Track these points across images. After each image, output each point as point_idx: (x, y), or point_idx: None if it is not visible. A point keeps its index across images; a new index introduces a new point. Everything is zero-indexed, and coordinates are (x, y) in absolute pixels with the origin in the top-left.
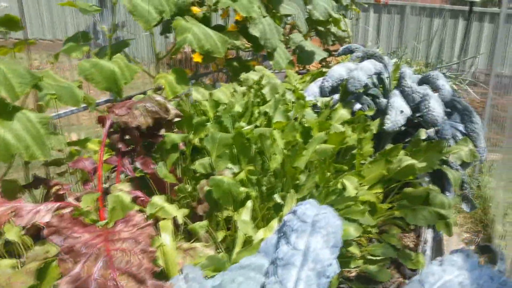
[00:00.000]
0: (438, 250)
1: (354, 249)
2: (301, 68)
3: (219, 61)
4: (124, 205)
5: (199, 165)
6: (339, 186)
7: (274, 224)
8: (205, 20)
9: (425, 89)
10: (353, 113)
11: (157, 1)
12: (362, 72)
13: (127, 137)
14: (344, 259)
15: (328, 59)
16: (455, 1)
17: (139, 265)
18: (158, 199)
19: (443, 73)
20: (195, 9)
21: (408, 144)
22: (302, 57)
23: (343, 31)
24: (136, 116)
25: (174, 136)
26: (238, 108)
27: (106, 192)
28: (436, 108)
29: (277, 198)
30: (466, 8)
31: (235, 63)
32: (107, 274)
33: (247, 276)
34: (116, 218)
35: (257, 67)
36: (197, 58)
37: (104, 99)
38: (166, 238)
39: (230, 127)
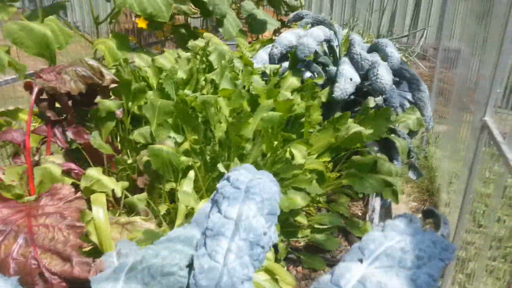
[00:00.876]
0: (387, 218)
1: (301, 219)
2: (254, 39)
3: (166, 29)
4: (54, 178)
5: (138, 135)
6: (287, 155)
7: None
8: None
9: (374, 56)
10: (303, 81)
11: None
12: (311, 38)
13: (58, 105)
14: (291, 229)
15: (282, 30)
16: None
17: (64, 242)
18: (93, 172)
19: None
20: None
21: (357, 112)
22: (254, 26)
23: (295, 0)
24: (66, 81)
25: (109, 103)
26: (181, 75)
27: (36, 165)
28: (384, 75)
29: (220, 167)
30: None
31: (182, 30)
32: (28, 253)
33: (173, 249)
34: (44, 192)
35: (205, 34)
36: (141, 23)
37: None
38: (99, 212)
39: (172, 94)
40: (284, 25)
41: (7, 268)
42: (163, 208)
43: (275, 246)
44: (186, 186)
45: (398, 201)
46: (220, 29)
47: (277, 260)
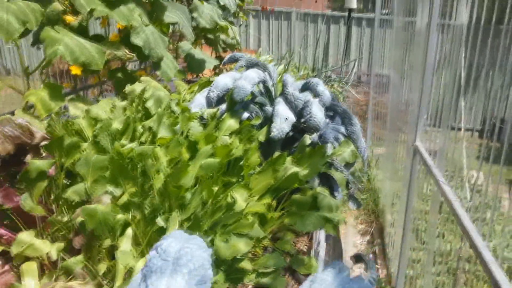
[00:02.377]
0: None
1: (246, 264)
2: (194, 76)
3: (103, 73)
4: None
5: (72, 193)
6: (229, 199)
7: None
8: (81, 30)
9: (306, 95)
10: (241, 122)
11: (19, 11)
12: (246, 81)
13: None
14: (237, 275)
15: (222, 66)
16: (335, 8)
17: None
18: (25, 236)
19: (329, 76)
20: (69, 18)
21: (296, 149)
22: (192, 65)
23: (232, 38)
24: None
25: (40, 163)
26: (117, 125)
27: None
28: (317, 113)
29: (160, 221)
30: (346, 14)
31: (119, 74)
32: None
33: None
34: None
35: (142, 78)
36: (75, 70)
37: None
38: (31, 284)
39: (108, 146)
40: (222, 62)
41: None
42: (102, 267)
43: None
44: (124, 244)
45: (337, 233)
46: (158, 72)
47: None
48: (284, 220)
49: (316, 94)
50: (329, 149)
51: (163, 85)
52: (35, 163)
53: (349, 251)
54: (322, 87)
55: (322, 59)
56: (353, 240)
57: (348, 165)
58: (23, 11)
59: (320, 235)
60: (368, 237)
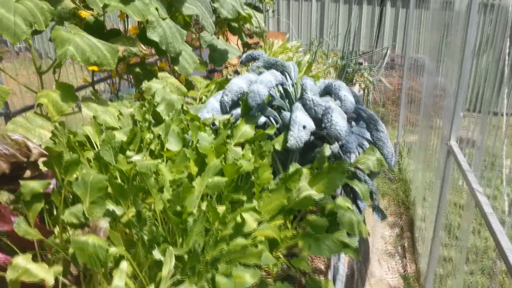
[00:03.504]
0: (360, 247)
1: None
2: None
3: (122, 67)
4: None
5: (69, 215)
6: (239, 219)
7: None
8: (97, 25)
9: (327, 101)
10: (258, 126)
11: (27, 11)
12: (262, 85)
13: None
14: None
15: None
16: None
17: None
18: (21, 260)
19: (360, 63)
20: (84, 13)
21: (317, 154)
22: (214, 57)
23: (256, 27)
24: None
25: (34, 185)
26: (121, 136)
27: None
28: (339, 121)
29: (156, 254)
30: None
31: (137, 69)
32: None
33: None
34: None
35: (160, 74)
36: (91, 67)
37: None
38: None
39: (112, 160)
40: (250, 48)
41: None
42: None
43: None
44: (118, 279)
45: (359, 256)
46: (176, 67)
47: None
48: (298, 241)
49: (338, 99)
50: (352, 158)
51: (184, 79)
52: (29, 185)
53: (376, 243)
54: (345, 91)
55: (353, 45)
56: (381, 232)
57: (372, 173)
58: (32, 10)
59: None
60: (397, 230)
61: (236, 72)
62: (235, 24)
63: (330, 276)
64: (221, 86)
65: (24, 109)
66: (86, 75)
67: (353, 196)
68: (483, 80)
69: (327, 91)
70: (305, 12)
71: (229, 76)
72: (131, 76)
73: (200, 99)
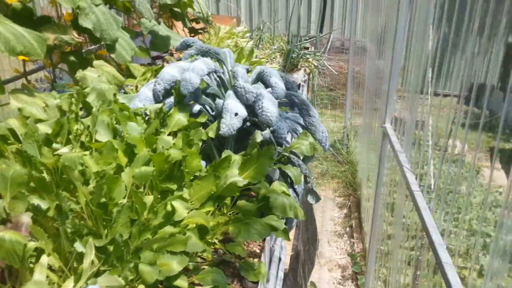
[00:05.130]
0: (308, 228)
1: (181, 282)
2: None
3: (56, 55)
4: None
5: None
6: (169, 208)
7: (69, 284)
8: (25, 13)
9: (258, 88)
10: (193, 114)
11: None
12: (194, 73)
13: None
14: None
15: (198, 37)
16: None
17: None
18: None
19: (306, 48)
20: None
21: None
22: (156, 43)
23: (199, 12)
24: None
25: None
26: (46, 129)
27: None
28: (269, 108)
29: (78, 246)
30: None
31: (72, 58)
32: None
33: None
34: None
35: (95, 62)
36: (19, 56)
37: None
38: None
39: (36, 154)
40: (197, 33)
41: None
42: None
43: None
44: (39, 274)
45: (290, 239)
46: (112, 55)
47: None
48: (229, 227)
49: (269, 86)
50: (286, 142)
51: (125, 66)
52: None
53: (326, 225)
54: (275, 78)
55: (298, 30)
56: (331, 214)
57: (306, 158)
58: None
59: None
60: (345, 211)
61: (180, 60)
62: (177, 10)
63: (264, 259)
64: (157, 74)
65: None
66: (13, 69)
67: (290, 181)
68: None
69: (259, 79)
70: None
71: (166, 64)
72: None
73: (136, 87)
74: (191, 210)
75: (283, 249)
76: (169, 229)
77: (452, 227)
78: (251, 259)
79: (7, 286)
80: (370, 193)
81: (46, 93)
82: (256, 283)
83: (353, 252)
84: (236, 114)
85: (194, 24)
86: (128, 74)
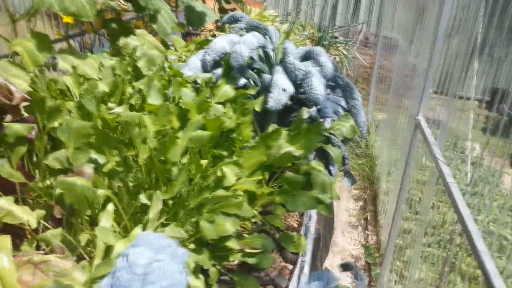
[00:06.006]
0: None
1: (232, 244)
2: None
3: (96, 22)
4: None
5: (53, 160)
6: (219, 173)
7: (137, 232)
8: None
9: (307, 66)
10: (238, 87)
11: None
12: (244, 46)
13: None
14: (222, 253)
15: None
16: None
17: None
18: (3, 202)
19: (335, 37)
20: None
21: (293, 118)
22: (191, 19)
23: None
24: None
25: (18, 127)
26: (103, 88)
27: None
28: (317, 86)
29: (142, 198)
30: None
31: (114, 25)
32: None
33: None
34: None
35: (138, 31)
36: (67, 18)
37: None
38: (3, 260)
39: (94, 110)
40: (226, 13)
41: None
42: (83, 238)
43: (205, 271)
44: (105, 220)
45: (330, 214)
46: (154, 25)
47: (208, 286)
48: (275, 197)
49: (318, 65)
50: (327, 123)
51: (160, 39)
52: (13, 127)
53: (340, 215)
54: (325, 58)
55: (329, 19)
56: (346, 205)
57: (345, 140)
58: None
59: (312, 210)
60: (361, 203)
61: (214, 36)
62: None
63: (302, 233)
64: (201, 46)
65: None
66: (56, 31)
67: (325, 161)
68: (453, 61)
69: (306, 57)
70: None
71: (209, 37)
72: (105, 34)
73: (180, 58)
74: (239, 178)
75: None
76: (221, 192)
77: None
78: (289, 232)
79: (63, 230)
80: (389, 187)
81: (97, 55)
82: (295, 255)
83: (367, 243)
84: (284, 90)
85: (224, 5)
86: (164, 45)
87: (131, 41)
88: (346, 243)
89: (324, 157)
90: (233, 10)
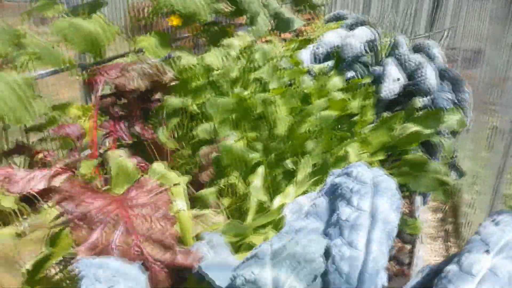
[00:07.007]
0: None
1: None
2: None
3: (195, 26)
4: (128, 171)
5: (201, 131)
6: (342, 152)
7: (290, 190)
8: None
9: (419, 57)
10: (347, 79)
11: None
12: (355, 39)
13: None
14: None
15: (302, 28)
16: None
17: (162, 231)
18: (158, 166)
19: None
20: None
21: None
22: (279, 25)
23: None
24: (132, 78)
25: (175, 100)
26: (235, 73)
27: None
28: (431, 76)
29: (288, 164)
30: None
31: (215, 28)
32: (128, 241)
33: (310, 239)
34: (120, 184)
35: (239, 32)
36: (175, 21)
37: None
38: (182, 204)
39: (228, 92)
40: (308, 23)
41: (110, 254)
42: (226, 202)
43: None
44: (257, 181)
45: (449, 198)
46: (252, 27)
47: None
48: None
49: (429, 57)
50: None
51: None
52: (171, 100)
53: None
54: (437, 50)
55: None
56: (423, 216)
57: (453, 132)
58: None
59: (417, 201)
60: (440, 215)
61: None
62: None
63: (417, 216)
64: (300, 44)
65: (111, 58)
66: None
67: (429, 156)
68: None
69: (417, 50)
70: None
71: (311, 37)
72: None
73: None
74: (360, 159)
75: None
76: None
77: None
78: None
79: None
80: (475, 198)
81: (217, 48)
82: (412, 236)
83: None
84: (398, 79)
85: (304, 15)
86: None
87: (234, 41)
88: (426, 254)
89: (428, 151)
90: (308, 19)
